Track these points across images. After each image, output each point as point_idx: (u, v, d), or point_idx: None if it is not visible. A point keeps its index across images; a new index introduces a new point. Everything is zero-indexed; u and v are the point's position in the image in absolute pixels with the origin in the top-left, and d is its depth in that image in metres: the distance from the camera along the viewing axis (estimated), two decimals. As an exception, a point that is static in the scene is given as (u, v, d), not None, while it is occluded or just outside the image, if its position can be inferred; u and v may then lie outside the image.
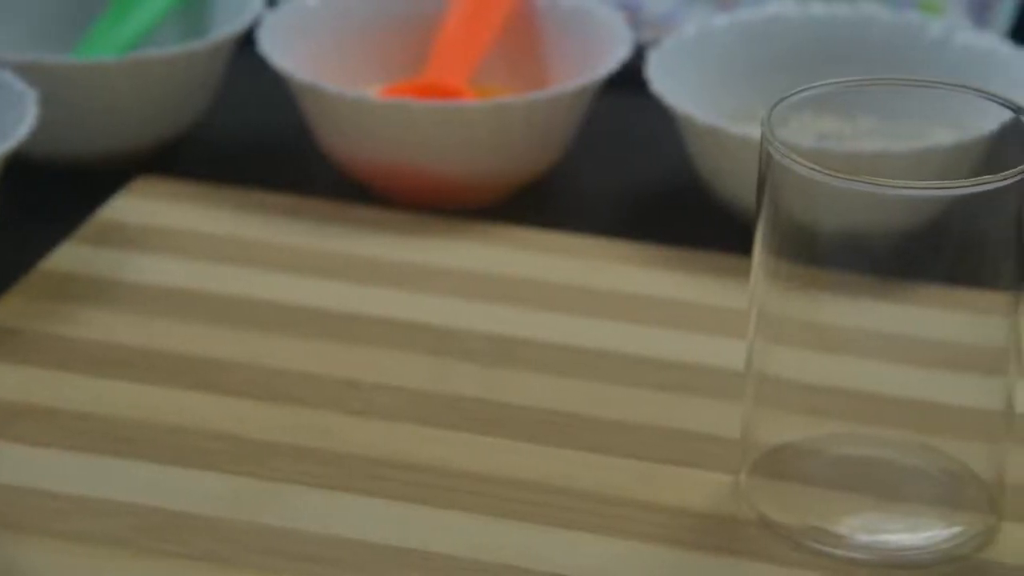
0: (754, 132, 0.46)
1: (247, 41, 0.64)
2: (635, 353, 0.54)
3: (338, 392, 0.52)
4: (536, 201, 0.62)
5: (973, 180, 0.45)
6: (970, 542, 0.47)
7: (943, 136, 0.52)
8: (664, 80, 0.60)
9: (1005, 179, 0.44)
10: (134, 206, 0.61)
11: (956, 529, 0.47)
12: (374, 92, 0.64)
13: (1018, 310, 0.46)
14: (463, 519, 0.48)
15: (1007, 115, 0.46)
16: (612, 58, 0.61)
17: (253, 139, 0.66)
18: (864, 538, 0.47)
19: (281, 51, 0.62)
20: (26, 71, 0.60)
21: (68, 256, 0.59)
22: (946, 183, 0.45)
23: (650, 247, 0.59)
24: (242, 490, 0.49)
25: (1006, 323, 0.46)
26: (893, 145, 0.56)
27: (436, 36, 0.65)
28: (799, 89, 0.47)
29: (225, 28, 0.64)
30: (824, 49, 0.64)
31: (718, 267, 0.58)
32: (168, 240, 0.59)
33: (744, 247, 0.47)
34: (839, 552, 0.46)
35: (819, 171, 0.44)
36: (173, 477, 0.49)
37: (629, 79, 0.62)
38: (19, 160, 0.59)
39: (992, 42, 0.62)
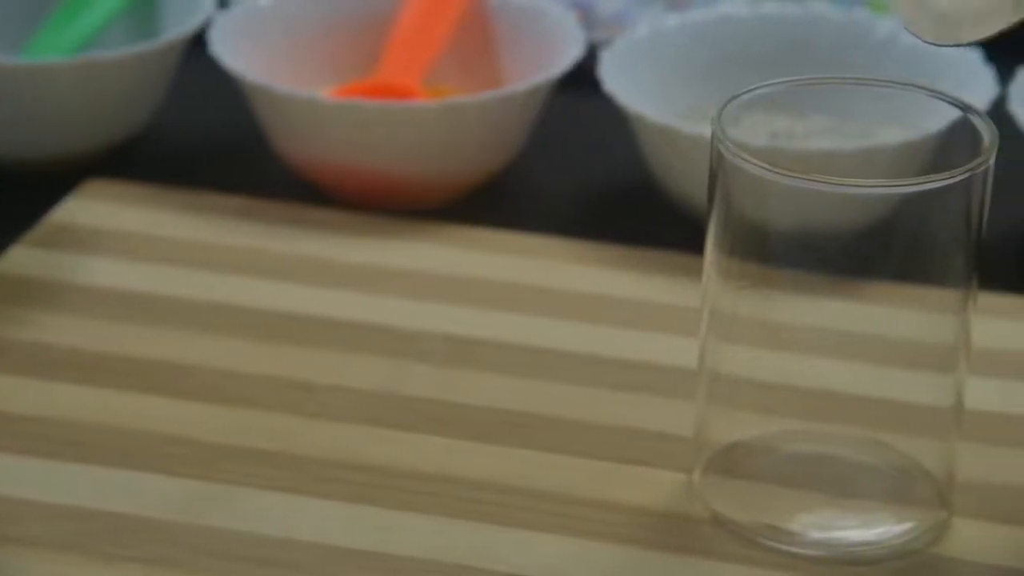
0: (706, 131, 0.46)
1: (198, 42, 0.63)
2: (589, 352, 0.54)
3: (292, 394, 0.52)
4: (490, 201, 0.62)
5: (922, 178, 0.45)
6: (921, 537, 0.47)
7: (893, 135, 0.52)
8: (617, 80, 0.61)
9: (953, 177, 0.45)
10: (85, 209, 0.61)
11: (908, 525, 0.47)
12: (326, 93, 0.63)
13: (967, 307, 0.47)
14: (419, 520, 0.48)
15: (955, 114, 0.47)
16: (565, 58, 0.61)
17: (205, 141, 0.66)
18: (817, 535, 0.47)
19: (232, 52, 0.62)
20: (-25, 73, 0.60)
21: (19, 259, 0.58)
22: (896, 181, 0.46)
23: (604, 246, 0.59)
24: (195, 493, 0.48)
25: (955, 320, 0.47)
26: (844, 144, 0.56)
27: (389, 36, 0.65)
28: (749, 88, 0.47)
29: (176, 29, 0.64)
30: (775, 48, 0.64)
31: (671, 266, 0.58)
32: (120, 243, 0.59)
33: (697, 246, 0.47)
34: (792, 549, 0.47)
35: (769, 170, 0.45)
36: (126, 481, 0.49)
37: (582, 79, 0.62)
38: (-32, 163, 0.59)
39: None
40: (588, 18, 0.69)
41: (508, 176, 0.63)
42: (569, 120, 0.66)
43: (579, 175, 0.64)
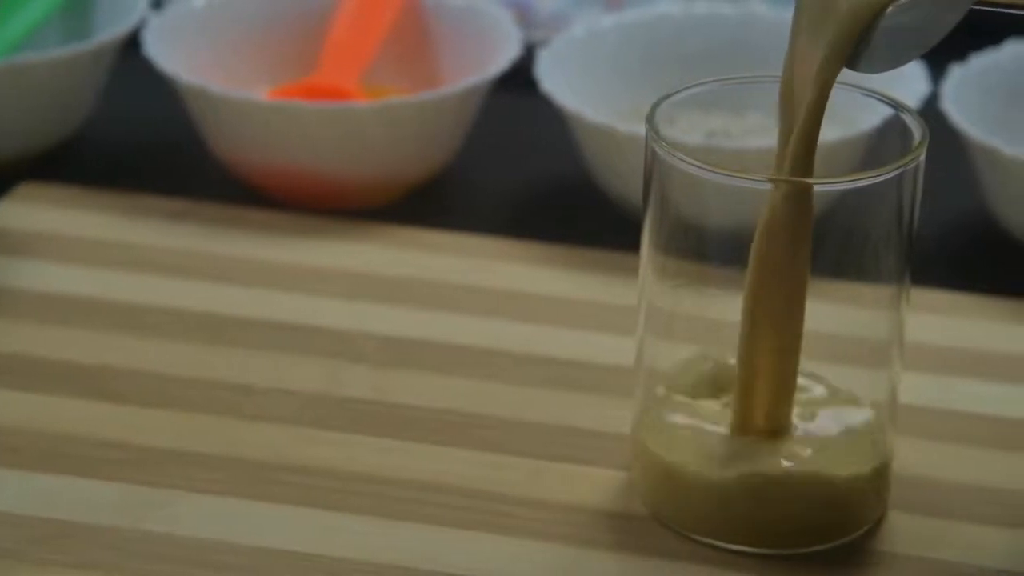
0: (643, 130, 0.46)
1: (132, 43, 0.63)
2: (526, 351, 0.54)
3: (229, 397, 0.52)
4: (428, 201, 0.62)
5: (854, 175, 0.46)
6: (858, 531, 0.48)
7: (827, 132, 0.53)
8: (554, 79, 0.61)
9: (885, 174, 0.45)
10: (19, 212, 0.60)
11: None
12: (262, 94, 0.63)
13: (900, 303, 0.47)
14: (356, 521, 0.48)
15: (888, 112, 0.47)
16: (502, 58, 0.62)
17: (140, 143, 0.66)
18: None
19: (167, 53, 0.61)
20: (-95, 76, 0.59)
21: (-49, 264, 0.58)
22: (829, 179, 0.46)
23: (541, 246, 0.59)
24: (132, 498, 0.48)
25: (889, 316, 0.47)
26: (779, 141, 0.56)
27: (325, 37, 0.65)
28: (683, 87, 0.48)
29: (109, 31, 0.63)
30: (712, 47, 0.64)
31: (609, 265, 0.58)
32: (54, 246, 0.59)
33: (635, 244, 0.47)
34: (730, 545, 0.47)
35: (702, 167, 0.45)
36: (61, 486, 0.48)
37: (519, 78, 0.63)
38: (-101, 167, 0.58)
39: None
40: (525, 18, 0.69)
41: (446, 176, 0.63)
42: (506, 120, 0.66)
43: (516, 175, 0.64)
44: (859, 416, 0.47)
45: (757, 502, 0.46)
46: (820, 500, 0.46)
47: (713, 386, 0.48)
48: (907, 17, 0.42)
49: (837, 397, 0.48)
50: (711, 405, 0.47)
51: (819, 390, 0.48)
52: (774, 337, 0.45)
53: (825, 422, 0.47)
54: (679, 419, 0.47)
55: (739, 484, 0.46)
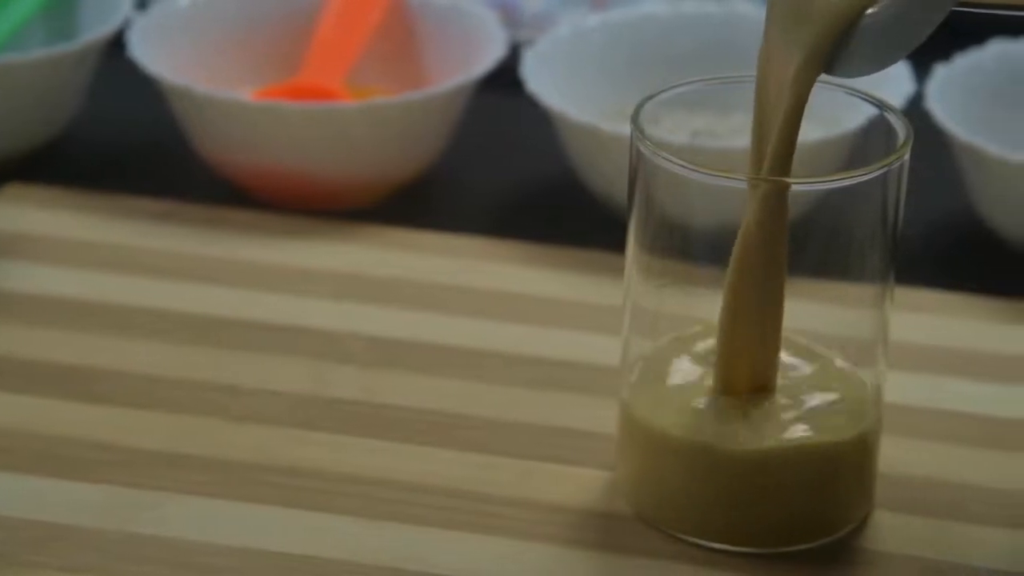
0: (627, 130, 0.46)
1: (117, 44, 0.63)
2: (512, 352, 0.54)
3: (216, 398, 0.52)
4: (414, 202, 0.62)
5: (839, 175, 0.46)
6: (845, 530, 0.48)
7: (811, 132, 0.53)
8: (539, 79, 0.61)
9: (869, 173, 0.45)
10: (5, 214, 0.60)
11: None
12: (248, 94, 0.63)
13: (884, 302, 0.47)
14: (344, 522, 0.48)
15: (872, 111, 0.47)
16: (487, 58, 0.62)
17: (125, 143, 0.66)
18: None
19: (152, 54, 0.61)
20: None
21: (-63, 265, 0.58)
22: (813, 178, 0.46)
23: (527, 245, 0.59)
24: (119, 499, 0.48)
25: (874, 315, 0.47)
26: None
27: (310, 37, 0.65)
28: (668, 87, 0.48)
29: (93, 31, 0.63)
30: (697, 47, 0.64)
31: (596, 264, 0.58)
32: (40, 247, 0.59)
33: (621, 244, 0.47)
34: (715, 544, 0.47)
35: (687, 167, 0.45)
36: (48, 488, 0.48)
37: (505, 78, 0.63)
38: None
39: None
40: (511, 17, 0.69)
41: (431, 176, 0.63)
42: (492, 120, 0.66)
43: (502, 175, 0.64)
44: (844, 382, 0.47)
45: (738, 473, 0.45)
46: (803, 470, 0.46)
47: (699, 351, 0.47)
48: (885, 19, 0.42)
49: (823, 363, 0.47)
50: (696, 368, 0.47)
51: (806, 354, 0.47)
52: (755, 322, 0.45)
53: (809, 387, 0.47)
54: (665, 382, 0.47)
55: (722, 450, 0.45)
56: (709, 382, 0.47)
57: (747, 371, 0.46)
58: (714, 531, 0.47)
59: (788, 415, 0.46)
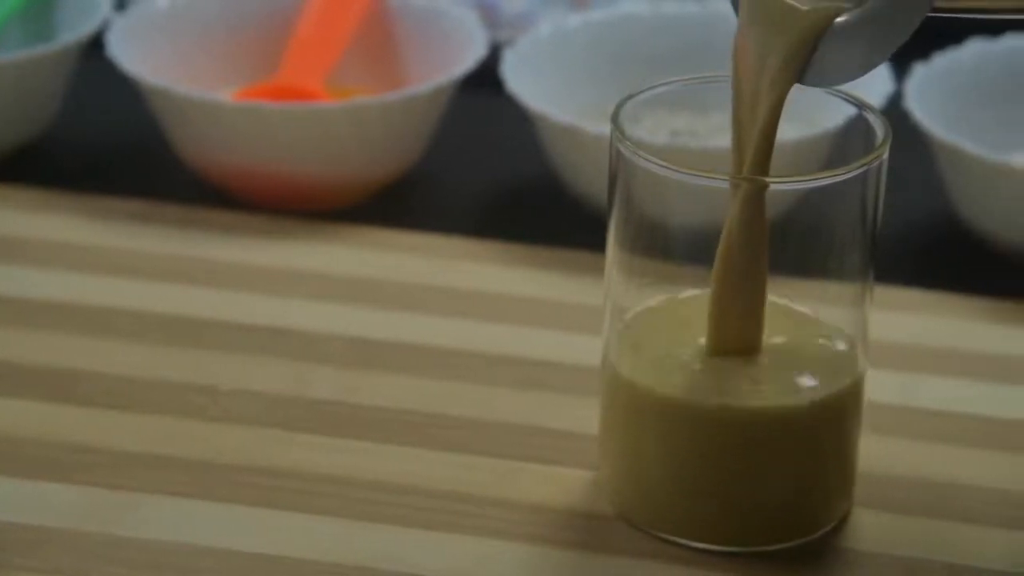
0: (607, 129, 0.46)
1: (96, 45, 0.63)
2: (493, 352, 0.54)
3: (195, 399, 0.52)
4: (395, 202, 0.62)
5: (818, 174, 0.46)
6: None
7: (791, 131, 0.53)
8: (520, 79, 0.61)
9: (848, 172, 0.45)
10: (-17, 215, 0.60)
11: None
12: (228, 95, 0.63)
13: (864, 301, 0.47)
14: (324, 523, 0.48)
15: (851, 111, 0.47)
16: (468, 58, 0.62)
17: (106, 145, 0.65)
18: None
19: (131, 55, 0.61)
20: None
21: (-85, 267, 0.57)
22: (793, 177, 0.46)
23: (508, 246, 0.59)
24: (99, 501, 0.48)
25: (853, 314, 0.47)
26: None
27: (290, 38, 0.64)
28: (648, 87, 0.48)
29: (72, 32, 0.63)
30: (677, 47, 0.64)
31: (575, 264, 0.58)
32: (19, 249, 0.58)
33: (602, 244, 0.47)
34: (698, 544, 0.47)
35: (666, 167, 0.45)
36: (27, 491, 0.48)
37: (485, 78, 0.63)
38: None
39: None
40: (491, 18, 0.69)
41: (412, 177, 0.63)
42: (472, 120, 0.66)
43: (483, 175, 0.64)
44: (827, 344, 0.47)
45: (721, 432, 0.45)
46: (783, 431, 0.45)
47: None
48: (854, 28, 0.42)
49: (807, 323, 0.47)
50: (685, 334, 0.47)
51: (791, 316, 0.47)
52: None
53: (792, 348, 0.46)
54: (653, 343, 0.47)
55: (704, 407, 0.45)
56: (698, 341, 0.46)
57: (735, 336, 0.45)
58: (696, 530, 0.47)
59: (770, 374, 0.46)
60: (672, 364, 0.46)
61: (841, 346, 0.47)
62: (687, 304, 0.47)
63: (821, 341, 0.47)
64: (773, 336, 0.47)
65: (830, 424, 0.47)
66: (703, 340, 0.46)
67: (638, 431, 0.47)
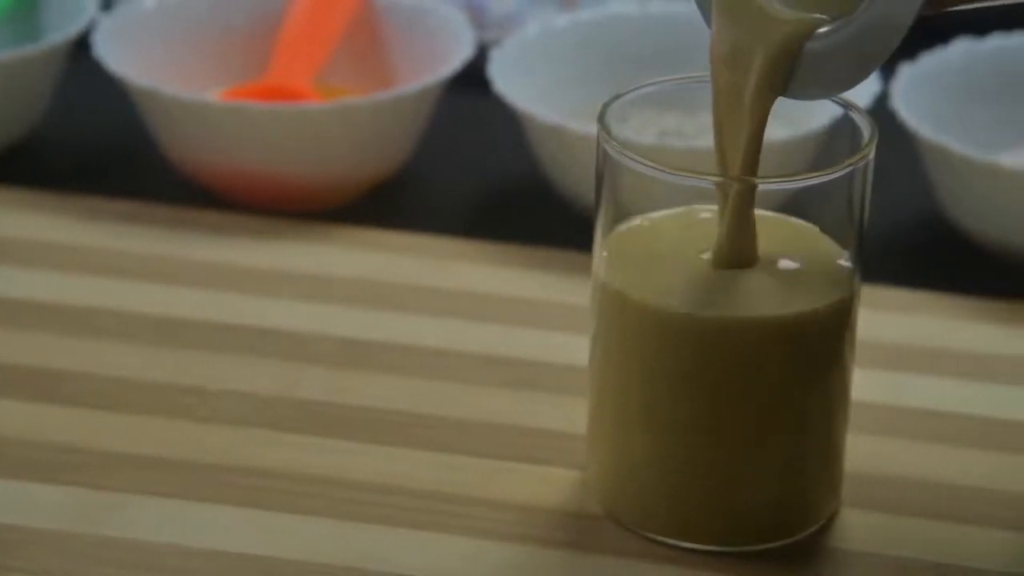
0: (595, 129, 0.46)
1: (82, 45, 0.63)
2: (482, 352, 0.54)
3: (184, 399, 0.52)
4: (383, 202, 0.62)
5: (804, 174, 0.46)
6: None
7: (778, 132, 0.53)
8: (507, 79, 0.61)
9: (834, 172, 0.45)
10: (-30, 216, 0.60)
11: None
12: (215, 95, 0.63)
13: (852, 301, 0.47)
14: (313, 524, 0.48)
15: (838, 111, 0.48)
16: (455, 58, 0.62)
17: (93, 145, 0.65)
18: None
19: (118, 55, 0.61)
20: None
21: (-98, 268, 0.57)
22: (780, 177, 0.46)
23: (496, 245, 0.59)
24: (86, 502, 0.48)
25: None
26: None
27: (278, 38, 0.64)
28: (635, 87, 0.48)
29: (58, 33, 0.63)
30: (665, 47, 0.64)
31: (565, 264, 0.58)
32: (6, 249, 0.58)
33: (590, 243, 0.47)
34: (686, 544, 0.47)
35: (652, 167, 0.45)
36: (15, 492, 0.48)
37: (473, 78, 0.63)
38: None
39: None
40: (479, 18, 0.69)
41: (401, 177, 0.63)
42: (460, 120, 0.66)
43: (471, 175, 0.64)
44: (819, 253, 0.47)
45: (712, 341, 0.45)
46: (775, 340, 0.45)
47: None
48: (842, 40, 0.42)
49: (800, 233, 0.47)
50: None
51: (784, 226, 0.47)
52: None
53: (785, 258, 0.46)
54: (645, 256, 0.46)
55: (691, 318, 0.45)
56: (690, 254, 0.46)
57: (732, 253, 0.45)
58: (684, 530, 0.47)
59: (763, 285, 0.45)
60: (666, 277, 0.45)
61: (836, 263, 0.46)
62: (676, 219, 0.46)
63: (810, 258, 0.46)
64: (770, 251, 0.46)
65: (821, 335, 0.45)
66: (701, 252, 0.45)
67: (633, 339, 0.45)
